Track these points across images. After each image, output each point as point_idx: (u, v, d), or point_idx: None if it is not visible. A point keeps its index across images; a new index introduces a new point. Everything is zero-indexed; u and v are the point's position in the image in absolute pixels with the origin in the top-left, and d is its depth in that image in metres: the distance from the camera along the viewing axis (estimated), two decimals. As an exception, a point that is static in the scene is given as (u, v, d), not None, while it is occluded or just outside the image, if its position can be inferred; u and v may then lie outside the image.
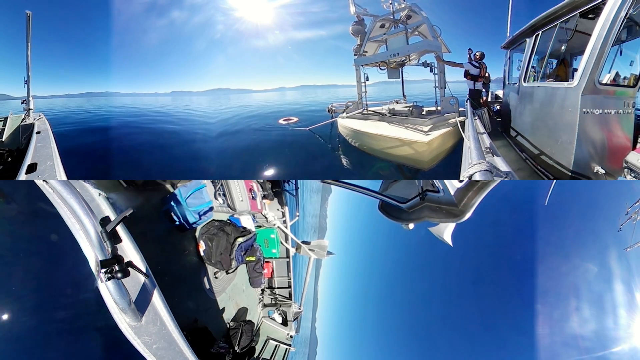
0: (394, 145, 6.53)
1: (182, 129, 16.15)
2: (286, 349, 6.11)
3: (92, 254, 1.95)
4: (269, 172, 7.73)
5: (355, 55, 8.89)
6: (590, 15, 3.70)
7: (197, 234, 4.89)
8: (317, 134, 10.19)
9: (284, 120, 13.42)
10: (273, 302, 6.43)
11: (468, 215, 2.72)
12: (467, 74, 7.36)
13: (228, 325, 5.07)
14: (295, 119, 13.24)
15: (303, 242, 6.16)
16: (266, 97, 48.32)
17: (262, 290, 6.40)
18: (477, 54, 7.50)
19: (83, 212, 1.95)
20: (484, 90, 7.63)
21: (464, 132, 4.45)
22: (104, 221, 2.11)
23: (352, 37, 8.95)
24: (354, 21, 8.72)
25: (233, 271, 5.28)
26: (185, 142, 12.56)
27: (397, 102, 10.20)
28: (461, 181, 2.87)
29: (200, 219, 4.58)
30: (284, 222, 5.88)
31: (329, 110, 10.68)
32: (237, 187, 4.51)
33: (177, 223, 4.48)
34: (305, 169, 8.20)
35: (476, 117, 5.60)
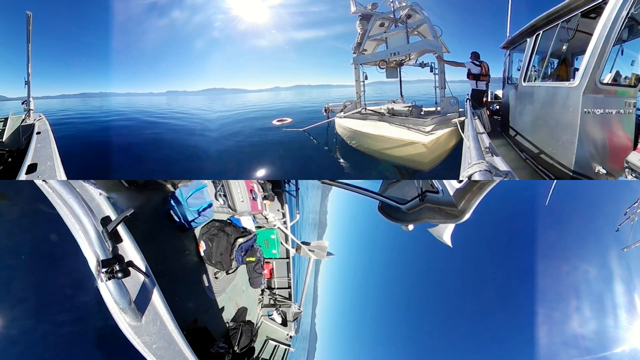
0: (395, 146, 6.50)
1: (180, 129, 16.09)
2: (285, 349, 6.11)
3: (92, 254, 1.95)
4: (266, 172, 7.69)
5: (354, 53, 8.79)
6: (591, 15, 3.70)
7: (197, 234, 4.89)
8: (313, 134, 10.06)
9: (278, 121, 13.14)
10: (273, 302, 6.43)
11: (467, 215, 2.69)
12: (469, 74, 7.36)
13: (228, 326, 5.07)
14: (289, 120, 13.02)
15: (303, 242, 6.16)
16: (261, 97, 48.17)
17: (262, 291, 6.40)
18: (472, 54, 7.48)
19: (83, 212, 1.95)
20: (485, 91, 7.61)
21: (463, 132, 4.45)
22: (105, 221, 2.11)
23: (349, 37, 8.87)
24: (359, 16, 8.55)
25: (233, 271, 5.28)
26: (182, 142, 12.48)
27: (394, 102, 10.14)
28: (460, 181, 2.85)
29: (199, 217, 4.58)
30: (284, 223, 5.88)
31: (325, 110, 10.47)
32: (238, 188, 4.51)
33: (178, 223, 4.49)
34: (303, 170, 8.11)
35: (476, 117, 5.59)
